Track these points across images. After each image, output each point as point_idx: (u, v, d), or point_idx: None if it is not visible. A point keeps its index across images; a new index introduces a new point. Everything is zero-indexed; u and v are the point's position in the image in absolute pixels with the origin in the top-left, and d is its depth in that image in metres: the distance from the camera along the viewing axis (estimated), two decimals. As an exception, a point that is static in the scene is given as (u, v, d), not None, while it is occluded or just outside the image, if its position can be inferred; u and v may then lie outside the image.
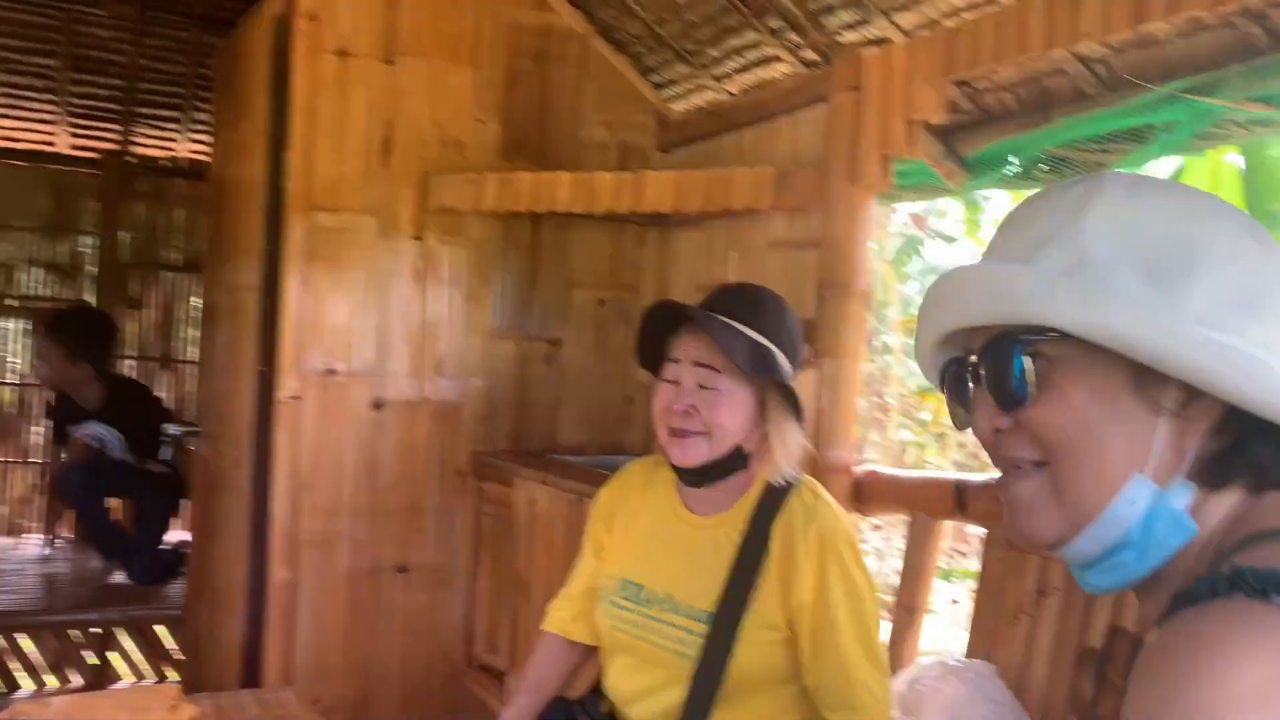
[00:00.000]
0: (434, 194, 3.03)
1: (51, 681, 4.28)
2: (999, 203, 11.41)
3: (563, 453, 3.20)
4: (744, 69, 3.00)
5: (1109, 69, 2.20)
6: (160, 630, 4.36)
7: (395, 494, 3.05)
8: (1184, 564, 0.73)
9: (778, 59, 2.86)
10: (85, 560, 4.49)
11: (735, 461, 1.66)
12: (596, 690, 1.77)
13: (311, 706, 2.87)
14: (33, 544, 4.95)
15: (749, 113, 3.00)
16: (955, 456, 12.38)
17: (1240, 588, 0.62)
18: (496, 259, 3.19)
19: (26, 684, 4.24)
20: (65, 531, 4.86)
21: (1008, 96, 2.44)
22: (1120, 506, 0.73)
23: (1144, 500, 0.72)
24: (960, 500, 2.24)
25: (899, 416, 12.20)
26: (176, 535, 4.43)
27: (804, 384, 1.87)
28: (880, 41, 2.51)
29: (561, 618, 1.86)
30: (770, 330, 1.66)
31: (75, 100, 4.90)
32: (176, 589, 4.14)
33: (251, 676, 2.91)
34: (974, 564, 8.65)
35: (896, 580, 2.43)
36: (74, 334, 4.26)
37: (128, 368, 5.41)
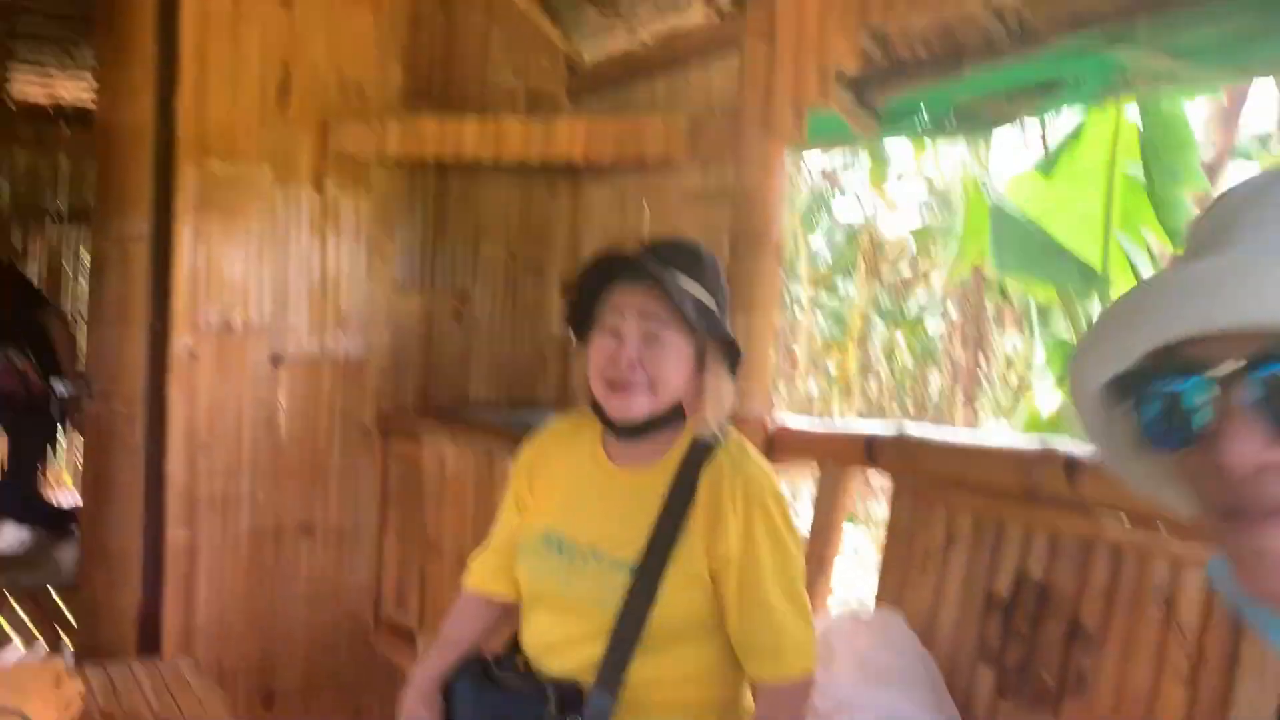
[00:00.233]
0: (334, 140, 2.91)
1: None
2: (903, 157, 11.57)
3: (473, 409, 3.14)
4: (656, 15, 2.93)
5: (1020, 20, 2.20)
6: (54, 598, 4.19)
7: (297, 452, 2.96)
8: None
9: (691, 5, 2.81)
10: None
11: (673, 416, 1.65)
12: (513, 645, 1.75)
13: (212, 672, 2.80)
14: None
15: (662, 60, 2.94)
16: (859, 407, 12.64)
17: None
18: (401, 210, 3.08)
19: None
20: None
21: (919, 46, 2.43)
22: None
23: None
24: (870, 451, 2.25)
25: (806, 368, 12.39)
26: (68, 498, 4.27)
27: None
28: (794, -12, 2.47)
29: (481, 574, 1.84)
30: (709, 286, 1.65)
31: (-55, 40, 4.60)
32: (69, 554, 3.98)
33: (149, 643, 2.81)
34: (876, 510, 8.87)
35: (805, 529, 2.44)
36: None
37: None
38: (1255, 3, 1.82)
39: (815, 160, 11.73)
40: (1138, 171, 5.79)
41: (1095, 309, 6.27)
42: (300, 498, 2.97)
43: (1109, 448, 0.73)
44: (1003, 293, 10.08)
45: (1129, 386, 0.67)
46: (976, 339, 10.28)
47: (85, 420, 3.78)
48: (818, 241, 12.64)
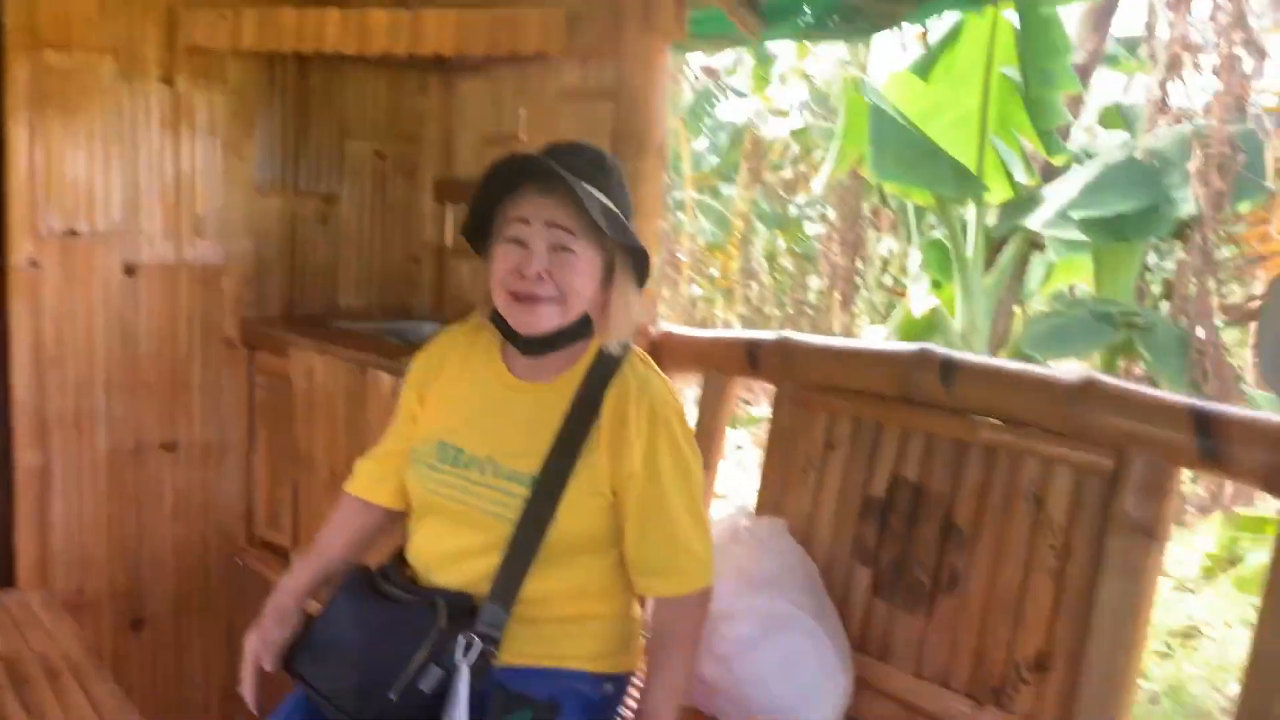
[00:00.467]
0: (183, 30, 2.69)
1: None
2: (787, 57, 11.52)
3: (343, 318, 3.01)
4: (529, -100, 2.77)
5: (904, -86, 2.14)
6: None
7: (156, 366, 2.80)
8: None
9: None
10: None
11: (581, 329, 1.59)
12: (398, 557, 1.70)
13: (72, 602, 2.68)
14: None
15: (536, -51, 2.79)
16: (741, 311, 12.79)
17: None
18: (259, 105, 2.89)
19: None
20: None
21: (803, -60, 2.35)
22: None
23: None
24: (752, 358, 2.24)
25: (689, 272, 12.43)
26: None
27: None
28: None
29: (364, 479, 1.78)
30: (614, 194, 1.59)
31: None
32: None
33: (2, 573, 2.66)
34: (758, 411, 9.04)
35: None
36: None
37: None
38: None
39: (698, 59, 11.59)
40: (1014, 74, 5.87)
41: (970, 212, 6.41)
42: (161, 414, 2.82)
43: None
44: (880, 196, 10.23)
45: None
46: (854, 242, 10.42)
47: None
48: (700, 143, 12.57)
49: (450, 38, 2.52)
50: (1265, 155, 4.96)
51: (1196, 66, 5.40)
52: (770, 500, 2.17)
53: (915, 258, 8.39)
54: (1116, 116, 7.46)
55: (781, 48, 10.89)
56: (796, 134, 11.16)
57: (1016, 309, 7.74)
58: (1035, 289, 7.09)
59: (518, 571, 1.53)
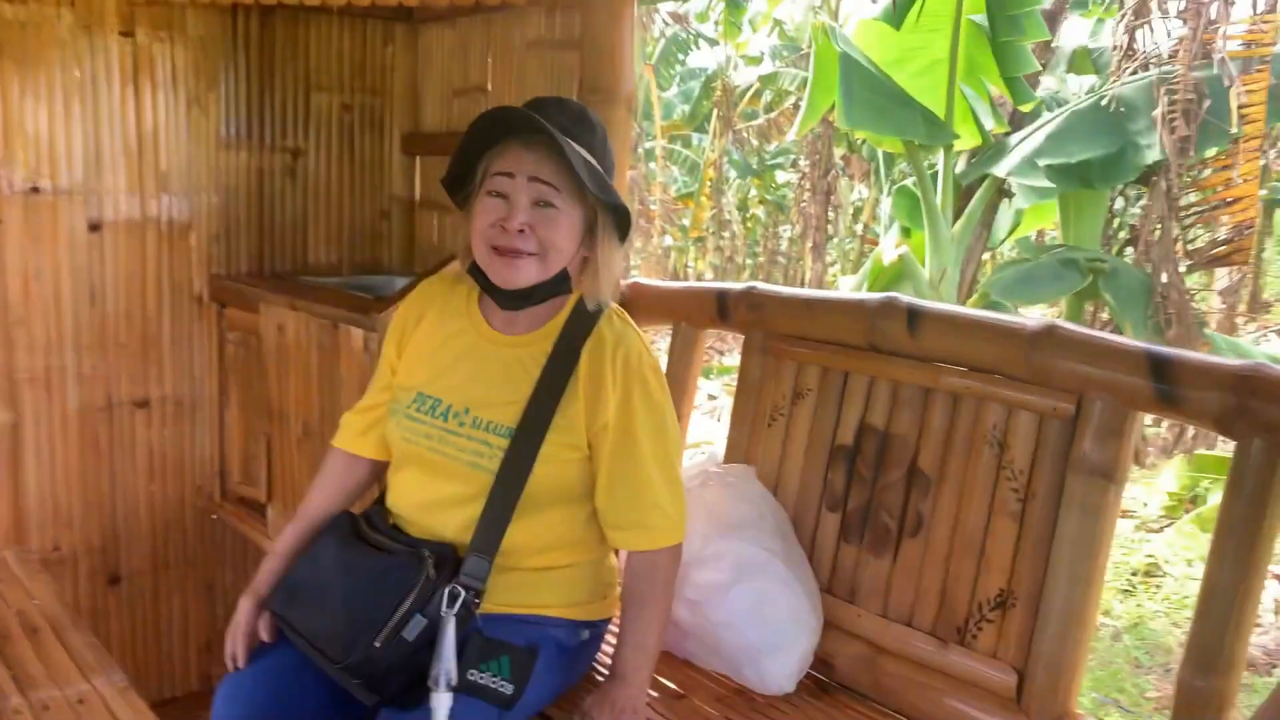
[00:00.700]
0: (141, -19, 2.64)
1: None
2: (758, 3, 11.42)
3: (313, 273, 3.00)
4: None
5: None
6: None
7: (125, 324, 2.78)
8: None
9: None
10: None
11: (560, 285, 1.61)
12: (380, 503, 1.72)
13: (48, 559, 2.68)
14: None
15: (500, -104, 2.75)
16: (713, 260, 12.79)
17: None
18: (222, 58, 2.84)
19: None
20: None
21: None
22: None
23: None
24: (721, 309, 2.26)
25: (661, 223, 12.40)
26: None
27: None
28: None
29: (349, 433, 1.80)
30: (598, 151, 1.60)
31: None
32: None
33: (-25, 533, 2.66)
34: (731, 361, 9.09)
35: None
36: None
37: None
38: None
39: (667, 7, 11.46)
40: (983, 21, 5.86)
41: (939, 159, 6.42)
42: (132, 371, 2.81)
43: None
44: (851, 144, 10.22)
45: None
46: (826, 190, 10.43)
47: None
48: (671, 91, 12.48)
49: (414, -13, 2.49)
50: (1230, 101, 5.00)
51: (1163, 11, 5.42)
52: (740, 448, 2.21)
53: (887, 205, 8.40)
54: (1086, 61, 7.47)
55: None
56: (767, 79, 11.09)
57: (986, 256, 7.80)
58: (1004, 236, 7.13)
59: (498, 523, 1.56)
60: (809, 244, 10.79)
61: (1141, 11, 5.41)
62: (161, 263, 2.81)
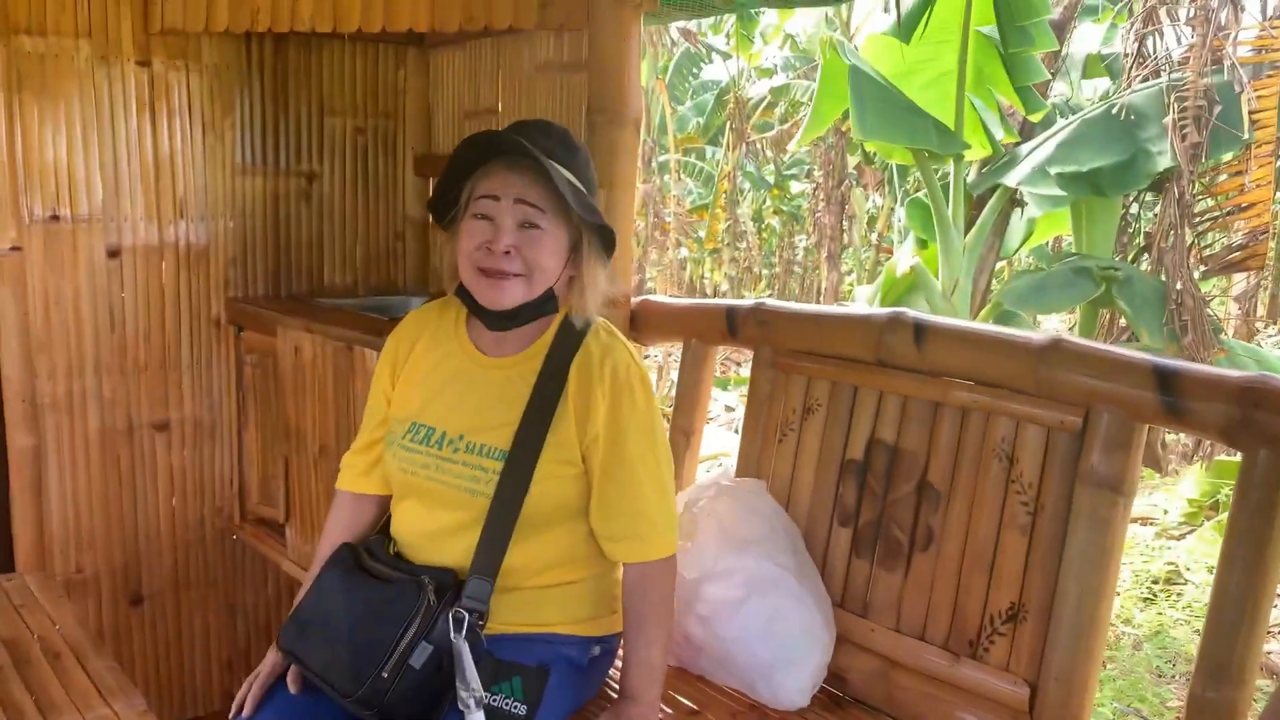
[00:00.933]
0: (156, 12, 2.68)
1: None
2: (770, 17, 11.45)
3: (329, 295, 3.03)
4: None
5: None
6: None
7: (144, 347, 2.82)
8: None
9: None
10: None
11: (546, 304, 1.62)
12: (383, 533, 1.74)
13: (71, 581, 2.72)
14: None
15: (508, -79, 2.79)
16: (729, 272, 12.80)
17: None
18: (237, 85, 2.89)
19: None
20: None
21: (773, -92, 2.36)
22: None
23: None
24: (731, 325, 2.28)
25: (677, 235, 12.42)
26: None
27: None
28: None
29: (353, 474, 1.81)
30: (580, 172, 1.62)
31: None
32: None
33: (1, 556, 2.70)
34: (748, 372, 9.12)
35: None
36: None
37: None
38: None
39: (679, 23, 11.50)
40: (992, 33, 5.87)
41: (950, 170, 6.42)
42: (151, 394, 2.85)
43: None
44: (865, 155, 10.23)
45: None
46: (840, 200, 10.44)
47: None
48: (685, 106, 12.51)
49: (424, 14, 2.52)
50: (1241, 106, 4.98)
51: (1173, 17, 5.41)
52: (751, 463, 2.22)
53: (901, 215, 8.41)
54: (1099, 67, 7.47)
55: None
56: (778, 91, 11.12)
57: (1001, 264, 7.78)
58: (1017, 245, 7.12)
59: (498, 545, 1.57)
60: (824, 254, 10.80)
61: (1151, 19, 5.41)
62: (179, 287, 2.86)
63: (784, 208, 13.42)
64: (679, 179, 12.38)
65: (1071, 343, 1.76)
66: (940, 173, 6.72)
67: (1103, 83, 7.61)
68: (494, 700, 1.50)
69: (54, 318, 2.69)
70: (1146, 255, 5.92)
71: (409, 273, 3.21)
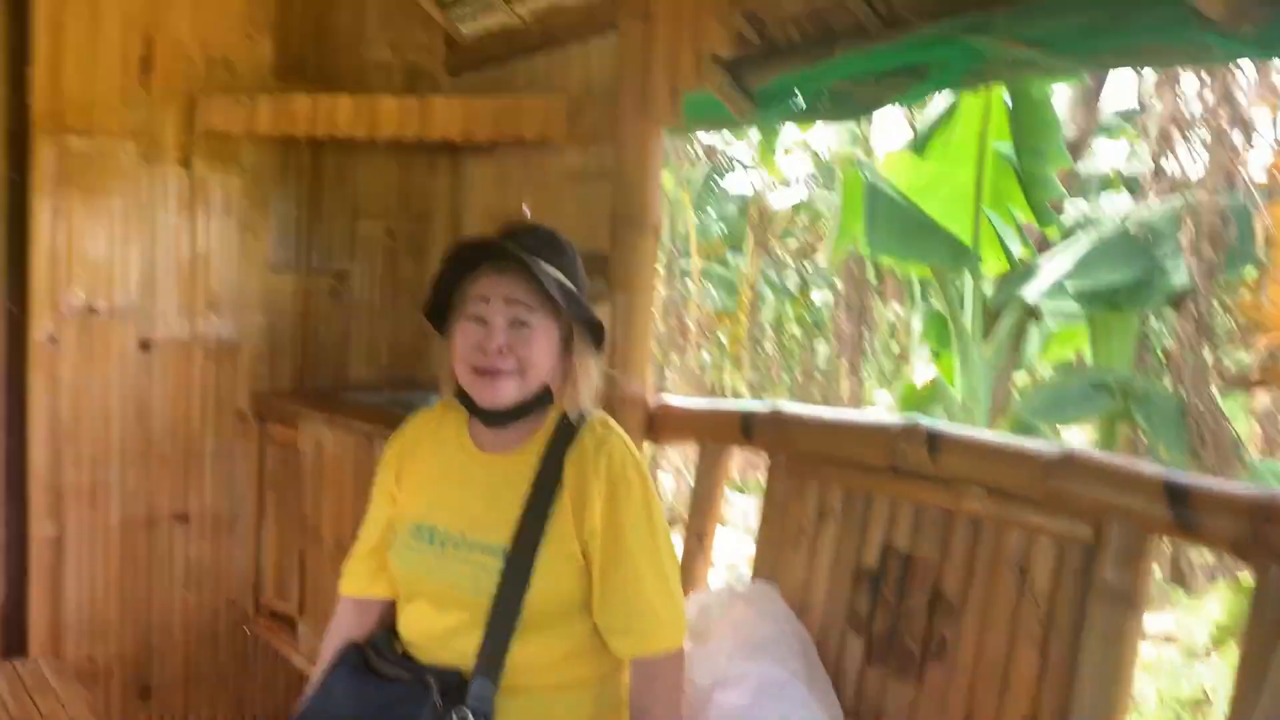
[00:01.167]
0: (201, 116, 2.81)
1: None
2: (790, 132, 11.74)
3: (354, 390, 3.09)
4: (534, -8, 2.91)
5: (888, 6, 2.25)
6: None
7: (170, 439, 2.87)
8: None
9: (568, -17, 2.79)
10: None
11: (541, 399, 1.66)
12: (390, 631, 1.74)
13: (83, 669, 2.72)
14: None
15: (540, 38, 2.92)
16: (749, 376, 12.84)
17: None
18: (273, 187, 3.00)
19: None
20: None
21: (793, 30, 2.46)
22: None
23: None
24: (746, 429, 2.30)
25: (698, 339, 12.52)
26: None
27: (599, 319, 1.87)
28: (669, -30, 2.47)
29: (356, 578, 1.81)
30: (568, 270, 1.67)
31: None
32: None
33: (15, 642, 2.71)
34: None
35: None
36: None
37: None
38: (1104, -3, 1.90)
39: (704, 135, 11.81)
40: (1008, 150, 6.00)
41: (968, 284, 6.50)
42: (173, 486, 2.89)
43: None
44: (885, 265, 10.35)
45: None
46: (860, 309, 10.53)
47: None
48: (709, 215, 12.76)
49: (457, 124, 2.63)
50: (1255, 227, 5.05)
51: (1186, 138, 5.53)
52: (766, 567, 2.22)
53: (917, 326, 8.47)
54: (1117, 182, 7.60)
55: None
56: (800, 206, 11.33)
57: (1022, 376, 7.80)
58: (1034, 358, 7.15)
59: (500, 644, 1.56)
60: (844, 362, 10.84)
61: (1166, 140, 5.53)
62: (207, 379, 2.92)
63: (806, 316, 13.53)
64: (701, 286, 12.54)
65: (1083, 455, 1.77)
66: (957, 284, 6.80)
67: (1122, 198, 7.73)
68: None
69: (83, 408, 2.75)
70: (1166, 370, 5.93)
71: (433, 369, 3.25)
